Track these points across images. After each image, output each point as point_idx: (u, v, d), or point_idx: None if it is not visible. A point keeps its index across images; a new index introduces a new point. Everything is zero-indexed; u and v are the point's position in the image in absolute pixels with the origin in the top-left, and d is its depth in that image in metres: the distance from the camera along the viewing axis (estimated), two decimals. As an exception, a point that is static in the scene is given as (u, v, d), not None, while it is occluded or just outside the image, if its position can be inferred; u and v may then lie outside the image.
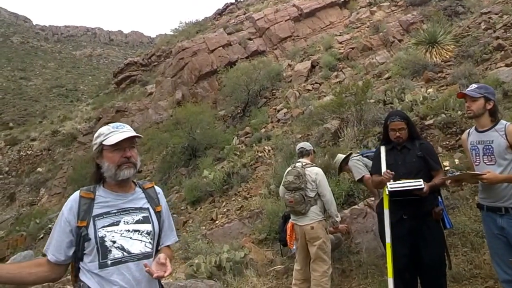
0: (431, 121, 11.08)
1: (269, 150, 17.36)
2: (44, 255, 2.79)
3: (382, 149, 5.27)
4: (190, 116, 22.47)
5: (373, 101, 14.60)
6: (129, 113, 36.24)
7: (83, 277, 2.73)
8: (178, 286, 6.90)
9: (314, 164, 7.12)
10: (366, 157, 7.06)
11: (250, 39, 34.15)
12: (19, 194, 40.12)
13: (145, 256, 2.81)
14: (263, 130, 21.20)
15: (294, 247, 7.17)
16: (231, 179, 16.08)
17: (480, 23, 17.66)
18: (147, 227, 2.89)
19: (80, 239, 2.70)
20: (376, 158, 5.38)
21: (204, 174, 17.38)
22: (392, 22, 26.81)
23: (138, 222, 2.86)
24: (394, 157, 5.13)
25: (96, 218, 2.74)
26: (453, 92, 11.89)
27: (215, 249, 9.85)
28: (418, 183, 4.64)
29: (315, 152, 8.22)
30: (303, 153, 7.17)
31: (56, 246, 2.72)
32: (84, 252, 2.71)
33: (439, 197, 5.19)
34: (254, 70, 26.57)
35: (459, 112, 10.55)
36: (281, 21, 34.33)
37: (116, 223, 2.78)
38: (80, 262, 2.75)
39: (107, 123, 3.52)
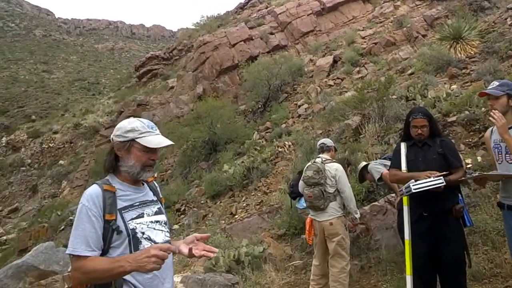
0: (454, 118, 10.95)
1: (289, 146, 17.36)
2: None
3: (403, 145, 5.20)
4: (211, 110, 22.56)
5: (395, 97, 14.47)
6: (150, 107, 36.34)
7: None
8: (197, 279, 6.96)
9: (334, 160, 7.06)
10: (384, 159, 7.08)
11: (271, 33, 34.00)
12: (41, 186, 40.47)
13: None
14: (283, 125, 21.26)
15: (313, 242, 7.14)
16: (251, 174, 16.16)
17: (506, 19, 17.48)
18: (163, 217, 2.99)
19: (109, 232, 2.71)
20: (396, 153, 5.31)
21: (224, 169, 17.53)
22: (416, 17, 26.56)
23: (156, 213, 2.95)
24: (414, 153, 5.07)
25: (122, 211, 2.77)
26: (477, 89, 11.69)
27: (234, 243, 9.94)
28: (440, 181, 4.52)
29: (336, 150, 8.13)
30: (324, 149, 7.13)
31: (94, 239, 2.67)
32: (112, 245, 2.72)
33: (460, 195, 5.11)
34: (275, 65, 26.50)
35: (482, 108, 10.40)
36: (303, 15, 34.06)
37: (141, 215, 2.84)
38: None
39: (128, 117, 3.61)
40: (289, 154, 16.63)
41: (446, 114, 11.47)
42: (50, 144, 46.97)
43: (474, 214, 7.10)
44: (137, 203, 2.87)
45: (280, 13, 35.09)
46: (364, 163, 7.49)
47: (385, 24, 29.21)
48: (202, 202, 16.91)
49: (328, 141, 7.29)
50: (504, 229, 4.94)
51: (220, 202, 15.94)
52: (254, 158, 17.02)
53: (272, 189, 14.50)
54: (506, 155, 4.36)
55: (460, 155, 5.64)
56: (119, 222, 2.72)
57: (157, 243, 2.79)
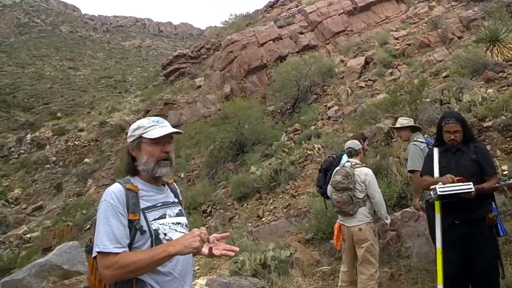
0: (490, 123, 10.82)
1: (318, 148, 17.03)
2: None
3: (435, 151, 5.15)
4: (238, 110, 22.32)
5: (429, 100, 14.34)
6: (177, 106, 36.30)
7: None
8: (222, 282, 7.08)
9: (363, 165, 6.97)
10: (427, 144, 6.97)
11: (301, 33, 33.54)
12: (66, 184, 40.59)
13: None
14: (312, 127, 20.91)
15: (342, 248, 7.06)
16: (278, 176, 15.89)
17: (545, 21, 16.88)
18: (184, 219, 3.04)
19: (132, 232, 2.71)
20: (428, 158, 5.27)
21: (251, 170, 17.32)
22: (452, 18, 25.83)
23: (177, 215, 2.98)
24: (447, 159, 5.03)
25: (146, 211, 2.79)
26: None
27: (260, 247, 9.86)
28: (468, 187, 4.48)
29: (367, 150, 8.05)
30: (352, 153, 7.00)
31: (123, 236, 2.67)
32: (134, 245, 2.72)
33: (493, 203, 4.98)
34: (305, 65, 26.10)
35: (520, 114, 10.11)
36: (335, 14, 33.52)
37: (164, 216, 2.87)
38: None
39: (155, 116, 3.73)
40: (319, 157, 16.22)
41: (482, 119, 11.31)
42: (75, 142, 47.01)
43: (510, 223, 7.03)
44: (160, 204, 2.90)
45: (310, 12, 34.60)
46: (406, 121, 7.48)
47: (419, 25, 28.59)
48: (229, 204, 16.74)
49: (355, 144, 7.08)
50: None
51: (247, 204, 15.76)
52: (282, 160, 16.72)
53: (300, 192, 14.23)
54: None
55: (494, 162, 5.54)
56: (142, 222, 2.75)
57: None
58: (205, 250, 2.72)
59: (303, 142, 18.73)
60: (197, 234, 2.59)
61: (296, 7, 38.62)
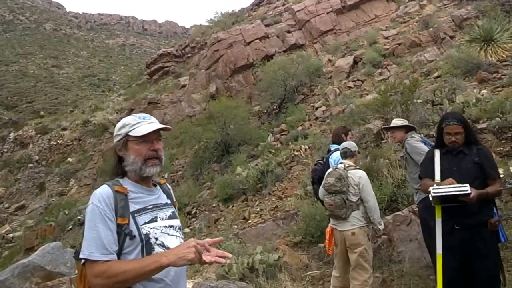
0: (484, 125, 10.85)
1: (305, 149, 17.05)
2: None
3: (436, 153, 5.00)
4: (224, 110, 22.20)
5: (420, 101, 14.23)
6: (162, 105, 36.21)
7: None
8: (209, 286, 6.93)
9: (357, 167, 6.77)
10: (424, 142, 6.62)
11: (288, 31, 33.41)
12: (48, 183, 40.42)
13: None
14: (300, 128, 20.87)
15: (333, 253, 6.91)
16: (265, 177, 15.82)
17: (541, 21, 16.80)
18: (177, 222, 2.89)
19: (121, 237, 2.57)
20: (429, 161, 5.10)
21: (237, 171, 17.16)
22: (444, 17, 25.81)
23: (170, 217, 2.83)
24: (448, 162, 4.88)
25: (135, 215, 2.64)
26: (509, 94, 11.80)
27: (247, 250, 9.67)
28: (464, 188, 4.36)
29: (359, 153, 7.87)
30: (347, 154, 6.76)
31: (111, 242, 2.52)
32: (124, 251, 2.57)
33: (494, 208, 4.85)
34: (292, 65, 25.94)
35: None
36: (323, 13, 33.39)
37: (155, 220, 2.72)
38: None
39: None
40: (306, 159, 16.26)
41: (476, 120, 11.30)
42: (58, 141, 46.85)
43: (506, 228, 6.77)
44: (150, 206, 2.75)
45: (298, 11, 34.46)
46: (401, 122, 7.10)
47: (409, 24, 28.54)
48: (214, 205, 16.64)
49: (352, 145, 6.86)
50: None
51: (233, 206, 15.65)
52: (268, 161, 16.64)
53: (288, 194, 14.15)
54: None
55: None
56: (132, 227, 2.60)
57: None
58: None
59: (290, 143, 18.79)
60: (193, 245, 2.44)
61: (283, 5, 38.54)
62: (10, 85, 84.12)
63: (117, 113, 46.30)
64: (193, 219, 16.36)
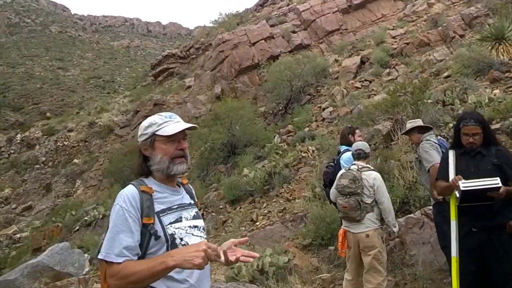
0: (497, 126, 10.57)
1: (313, 151, 16.90)
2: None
3: (451, 154, 4.86)
4: (230, 111, 22.14)
5: (431, 101, 13.90)
6: (167, 107, 36.11)
7: None
8: None
9: (371, 168, 6.72)
10: (439, 145, 6.48)
11: (294, 32, 33.24)
12: (55, 184, 40.70)
13: None
14: (306, 129, 20.71)
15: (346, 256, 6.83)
16: (272, 179, 15.66)
17: (553, 19, 16.66)
18: (201, 222, 2.91)
19: (146, 237, 2.59)
20: (443, 162, 5.00)
21: (244, 173, 16.98)
22: (453, 15, 25.45)
23: (194, 218, 2.85)
24: (466, 163, 4.72)
25: (160, 215, 2.66)
26: None
27: (256, 252, 9.26)
28: (495, 182, 4.26)
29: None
30: (361, 156, 6.65)
31: (131, 245, 2.53)
32: (149, 251, 2.60)
33: None
34: (298, 65, 25.81)
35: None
36: (328, 13, 33.23)
37: (180, 220, 2.74)
38: None
39: (145, 116, 3.45)
40: (313, 160, 16.09)
41: (489, 121, 10.79)
42: (64, 142, 47.26)
43: None
44: (175, 206, 2.77)
45: (303, 11, 34.31)
46: (420, 122, 7.03)
47: (417, 23, 28.24)
48: (221, 207, 16.46)
49: (365, 146, 6.79)
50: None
51: (240, 207, 15.48)
52: (275, 162, 16.50)
53: (296, 196, 14.00)
54: None
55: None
56: (157, 227, 2.62)
57: None
58: (222, 257, 2.47)
59: (296, 144, 18.60)
60: (203, 249, 2.35)
61: (288, 5, 38.42)
62: (17, 87, 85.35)
63: (122, 114, 46.65)
64: (201, 221, 16.26)
